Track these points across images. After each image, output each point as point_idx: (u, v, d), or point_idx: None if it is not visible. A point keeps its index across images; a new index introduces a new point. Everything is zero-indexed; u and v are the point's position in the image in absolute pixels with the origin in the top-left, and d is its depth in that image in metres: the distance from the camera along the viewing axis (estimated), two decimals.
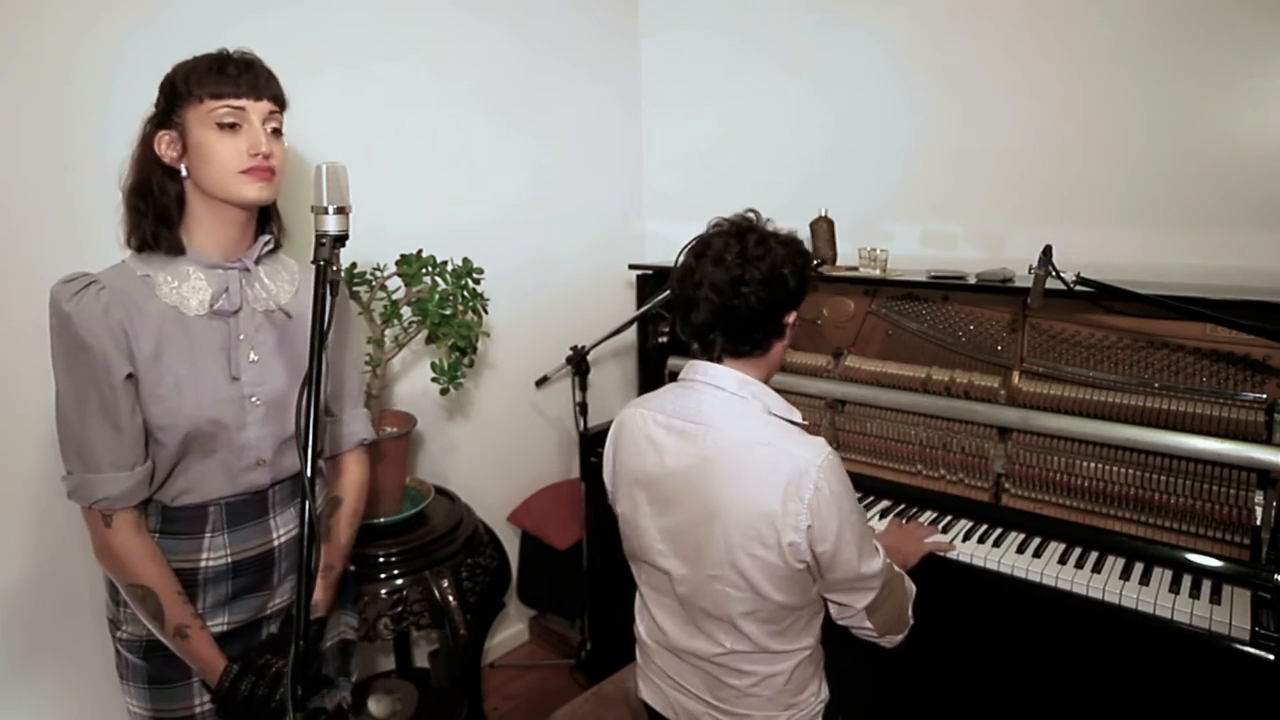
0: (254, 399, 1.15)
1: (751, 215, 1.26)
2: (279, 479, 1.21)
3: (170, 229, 1.12)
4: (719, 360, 1.24)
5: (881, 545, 1.26)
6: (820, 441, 1.15)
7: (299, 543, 1.22)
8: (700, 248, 1.24)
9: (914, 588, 1.34)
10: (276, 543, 1.21)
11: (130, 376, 1.06)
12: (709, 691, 1.28)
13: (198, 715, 1.16)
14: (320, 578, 1.23)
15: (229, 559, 1.16)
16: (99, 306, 1.04)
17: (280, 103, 1.15)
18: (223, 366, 1.13)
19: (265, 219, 1.22)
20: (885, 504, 1.81)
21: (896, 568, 1.31)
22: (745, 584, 1.17)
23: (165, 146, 1.10)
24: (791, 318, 1.25)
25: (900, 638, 1.28)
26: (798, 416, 1.24)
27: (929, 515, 1.72)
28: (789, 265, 1.20)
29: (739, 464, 1.15)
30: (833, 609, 1.24)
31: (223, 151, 1.08)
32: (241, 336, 1.15)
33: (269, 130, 1.12)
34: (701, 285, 1.20)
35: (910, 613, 1.30)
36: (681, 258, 1.27)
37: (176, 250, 1.12)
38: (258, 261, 1.19)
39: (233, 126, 1.08)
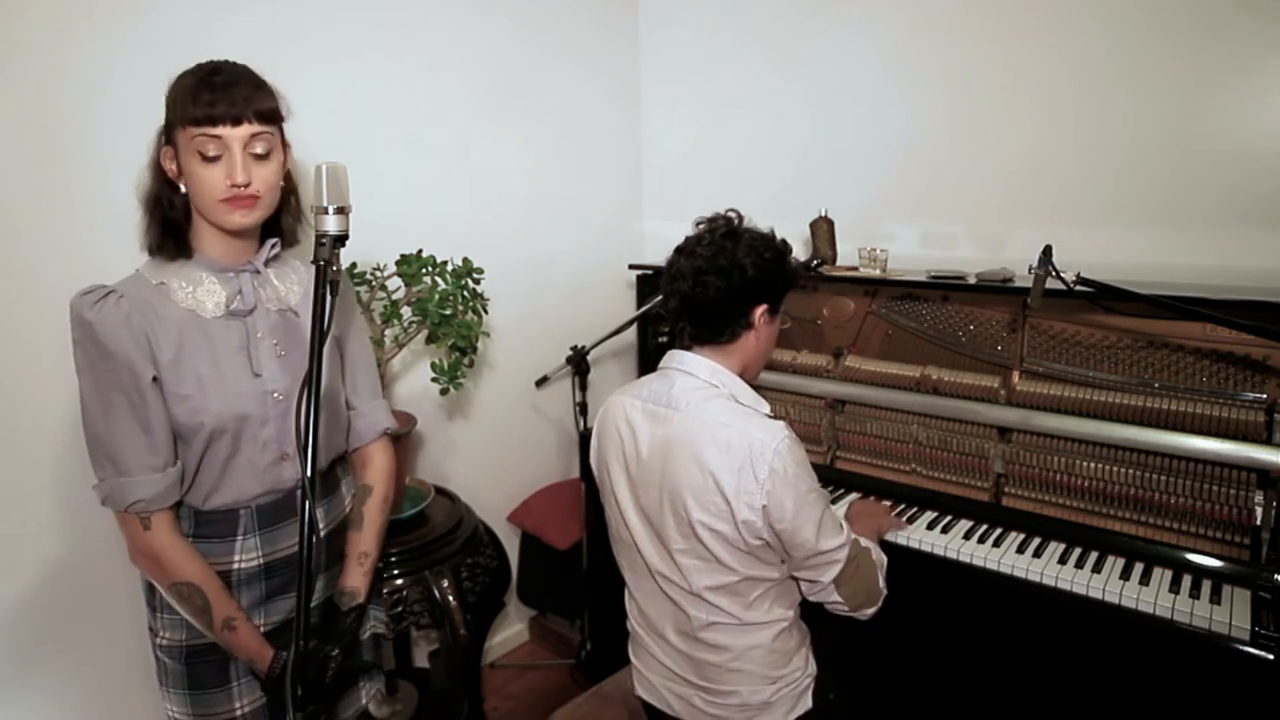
0: (275, 394, 1.17)
1: (732, 214, 1.32)
2: None
3: (177, 238, 1.15)
4: (688, 349, 1.32)
5: (852, 518, 1.33)
6: (780, 425, 1.20)
7: (328, 539, 1.27)
8: (682, 244, 1.31)
9: (884, 559, 1.38)
10: (302, 538, 1.23)
11: (155, 380, 1.08)
12: (694, 672, 1.31)
13: (238, 718, 1.18)
14: (357, 564, 1.28)
15: (261, 560, 1.19)
16: (120, 314, 1.07)
17: (269, 118, 1.11)
18: (243, 364, 1.15)
19: (273, 223, 1.23)
20: (885, 504, 1.80)
21: (865, 541, 1.35)
22: (710, 556, 1.23)
23: (168, 161, 1.12)
24: (760, 310, 1.28)
25: (873, 610, 1.32)
26: (765, 408, 1.29)
27: (929, 515, 1.72)
28: (751, 256, 1.24)
29: (699, 443, 1.21)
30: (803, 586, 1.30)
31: (204, 180, 1.08)
32: (259, 335, 1.18)
33: (256, 152, 1.10)
34: (677, 277, 1.28)
35: (882, 584, 1.34)
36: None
37: (184, 255, 1.15)
38: (267, 264, 1.22)
39: (214, 153, 1.07)
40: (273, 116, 1.12)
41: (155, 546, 1.10)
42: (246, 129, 1.09)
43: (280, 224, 1.23)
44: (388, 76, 2.01)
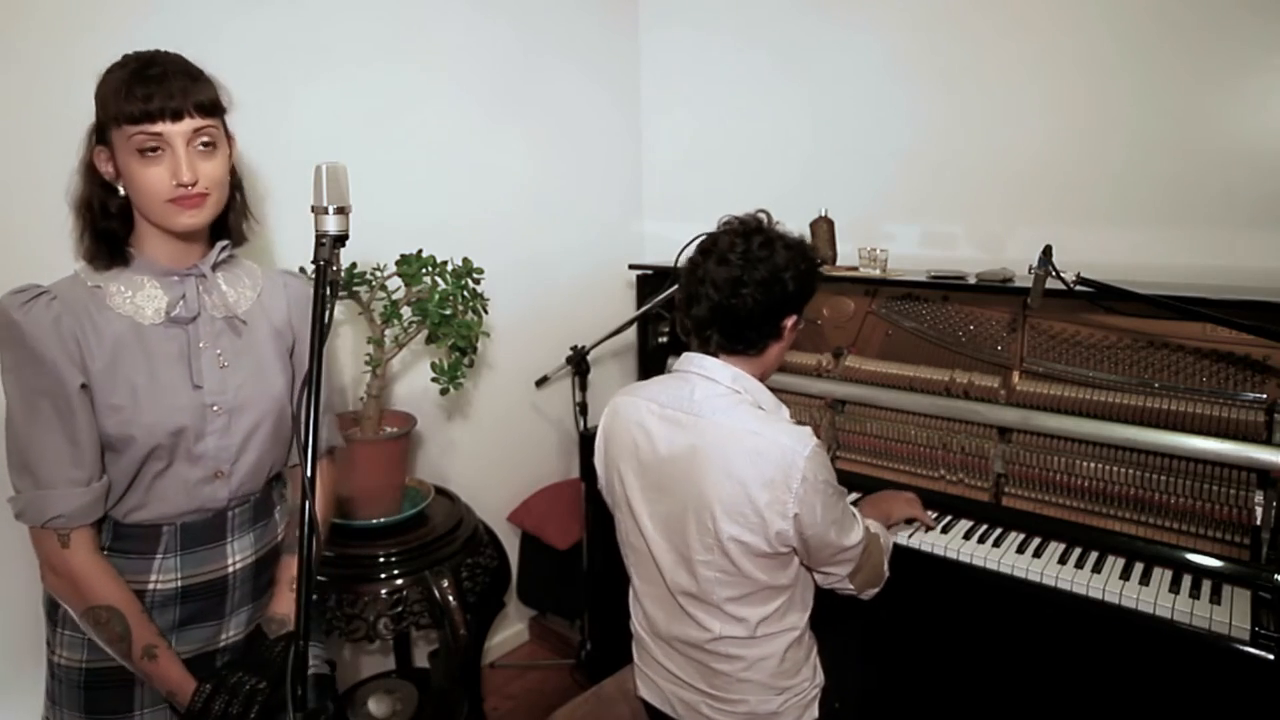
0: (215, 407, 1.10)
1: (762, 216, 1.29)
2: (237, 496, 1.15)
3: (114, 245, 1.08)
4: (714, 355, 1.28)
5: (866, 506, 1.35)
6: (806, 431, 1.19)
7: (259, 566, 1.19)
8: (708, 244, 1.27)
9: (891, 541, 1.40)
10: (231, 569, 1.15)
11: (84, 387, 1.02)
12: (703, 680, 1.30)
13: None
14: (288, 590, 1.19)
15: (179, 583, 1.11)
16: (49, 316, 1.00)
17: (210, 110, 1.05)
18: (182, 375, 1.09)
19: (222, 223, 1.16)
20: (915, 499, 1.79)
21: (874, 526, 1.36)
22: (734, 568, 1.21)
23: (104, 162, 1.05)
24: (790, 321, 1.27)
25: (876, 590, 1.35)
26: (786, 413, 1.28)
27: (929, 515, 1.71)
28: (790, 269, 1.22)
29: (728, 452, 1.18)
30: (818, 577, 1.30)
31: (147, 180, 1.02)
32: (201, 344, 1.11)
33: (199, 146, 1.04)
34: (704, 282, 1.23)
35: (886, 567, 1.36)
36: (690, 251, 1.30)
37: (120, 263, 1.08)
38: (215, 268, 1.15)
39: (155, 150, 1.01)
40: (214, 109, 1.06)
41: (73, 566, 1.03)
42: (189, 124, 1.02)
43: (227, 223, 1.16)
44: (389, 76, 2.01)
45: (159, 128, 1.00)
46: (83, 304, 1.04)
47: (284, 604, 1.18)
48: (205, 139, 1.05)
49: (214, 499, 1.13)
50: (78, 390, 1.01)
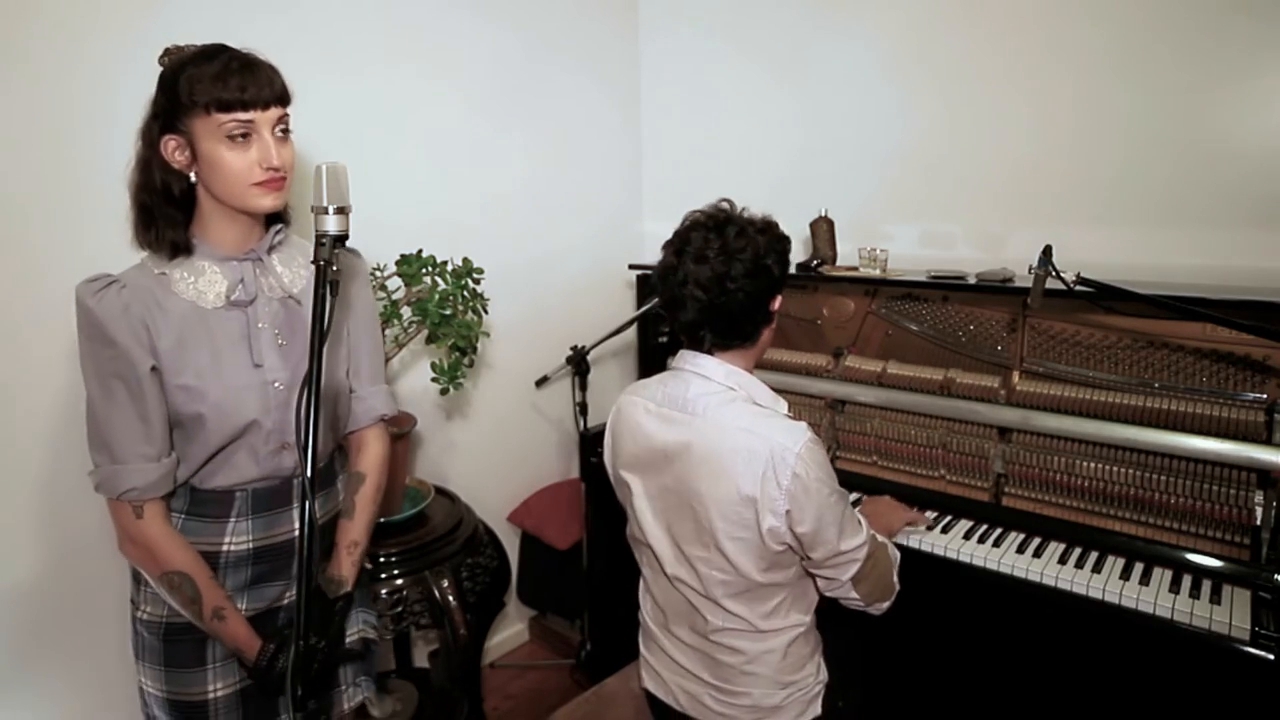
0: (276, 384, 1.16)
1: (726, 205, 1.27)
2: None
3: (178, 231, 1.13)
4: (709, 353, 1.27)
5: (865, 514, 1.31)
6: (801, 427, 1.18)
7: (320, 531, 1.25)
8: (679, 244, 1.25)
9: (898, 554, 1.37)
10: (297, 533, 1.21)
11: (154, 370, 1.09)
12: (708, 671, 1.30)
13: (210, 700, 1.17)
14: (346, 553, 1.26)
15: (250, 545, 1.18)
16: (120, 303, 1.07)
17: (286, 100, 1.12)
18: (243, 354, 1.15)
19: None
20: (902, 505, 1.79)
21: (880, 537, 1.34)
22: (729, 566, 1.21)
23: (173, 151, 1.09)
24: (777, 303, 1.27)
25: (887, 604, 1.31)
26: (783, 408, 1.27)
27: (929, 515, 1.71)
28: (771, 254, 1.22)
29: (721, 450, 1.18)
30: (820, 582, 1.28)
31: (234, 164, 1.08)
32: (260, 325, 1.17)
33: (279, 133, 1.11)
34: (687, 284, 1.21)
35: (895, 579, 1.32)
36: (661, 255, 1.28)
37: (185, 251, 1.14)
38: (271, 250, 1.20)
39: (244, 136, 1.07)
40: (289, 98, 1.13)
41: (147, 535, 1.11)
42: (275, 111, 1.10)
43: (282, 214, 1.22)
44: (391, 78, 2.01)
45: (251, 115, 1.07)
46: (149, 290, 1.11)
47: (341, 566, 1.26)
48: (283, 126, 1.12)
49: (282, 467, 1.19)
50: (148, 373, 1.08)
